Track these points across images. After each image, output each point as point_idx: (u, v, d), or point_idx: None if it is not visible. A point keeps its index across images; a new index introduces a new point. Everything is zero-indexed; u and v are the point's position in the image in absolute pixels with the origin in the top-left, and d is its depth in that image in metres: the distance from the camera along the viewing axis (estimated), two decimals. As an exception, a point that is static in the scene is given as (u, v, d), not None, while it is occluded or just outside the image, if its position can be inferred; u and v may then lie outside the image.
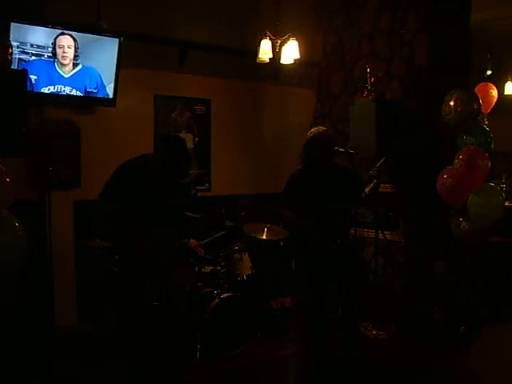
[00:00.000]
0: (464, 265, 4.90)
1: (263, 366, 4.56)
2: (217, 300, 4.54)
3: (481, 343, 4.47)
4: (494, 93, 4.94)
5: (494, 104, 4.95)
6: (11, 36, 4.39)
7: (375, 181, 4.14)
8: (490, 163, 4.37)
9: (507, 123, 7.10)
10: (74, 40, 4.75)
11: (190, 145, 6.19)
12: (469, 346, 4.53)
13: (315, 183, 4.01)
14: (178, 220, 3.92)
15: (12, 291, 4.26)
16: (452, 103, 4.46)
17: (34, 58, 4.58)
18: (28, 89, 4.12)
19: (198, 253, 5.13)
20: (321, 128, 4.12)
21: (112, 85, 5.08)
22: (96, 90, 5.01)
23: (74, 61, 4.80)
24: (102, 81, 5.02)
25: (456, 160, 4.39)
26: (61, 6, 4.69)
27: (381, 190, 4.27)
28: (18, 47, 4.47)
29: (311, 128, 4.23)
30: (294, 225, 4.13)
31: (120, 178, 3.61)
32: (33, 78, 4.60)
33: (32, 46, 4.55)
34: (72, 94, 4.88)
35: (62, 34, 4.66)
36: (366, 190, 4.16)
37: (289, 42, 5.10)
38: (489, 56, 5.01)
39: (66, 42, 4.71)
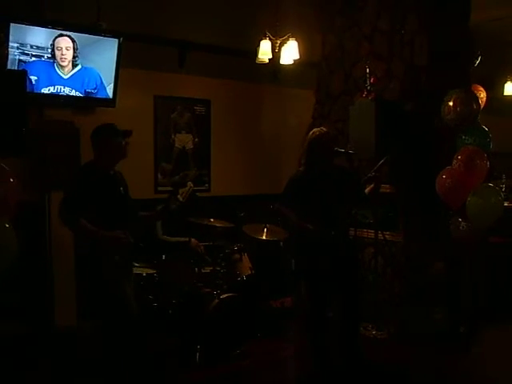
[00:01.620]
0: (463, 265, 4.90)
1: (263, 366, 4.55)
2: (216, 300, 4.53)
3: (480, 343, 4.48)
4: (483, 95, 4.96)
5: (483, 106, 4.96)
6: (11, 37, 4.40)
7: (376, 181, 4.14)
8: (488, 163, 4.37)
9: (507, 124, 7.11)
10: (73, 41, 4.76)
11: (189, 145, 6.20)
12: (468, 346, 4.57)
13: (315, 183, 4.01)
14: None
15: (11, 291, 4.27)
16: (451, 103, 4.45)
17: (34, 58, 4.60)
18: (28, 89, 4.13)
19: (199, 251, 5.15)
20: (323, 129, 4.11)
21: (112, 85, 5.09)
22: (95, 91, 5.02)
23: (73, 61, 4.81)
24: (101, 81, 5.03)
25: (454, 160, 4.38)
26: (60, 6, 4.70)
27: (380, 190, 4.27)
28: (17, 48, 4.48)
29: (311, 128, 4.22)
30: (294, 225, 4.13)
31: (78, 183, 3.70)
32: (33, 78, 4.61)
33: (32, 47, 4.56)
34: (71, 94, 4.89)
35: (61, 35, 4.67)
36: (366, 190, 4.16)
37: (288, 43, 5.10)
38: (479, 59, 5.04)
39: (65, 43, 4.72)
